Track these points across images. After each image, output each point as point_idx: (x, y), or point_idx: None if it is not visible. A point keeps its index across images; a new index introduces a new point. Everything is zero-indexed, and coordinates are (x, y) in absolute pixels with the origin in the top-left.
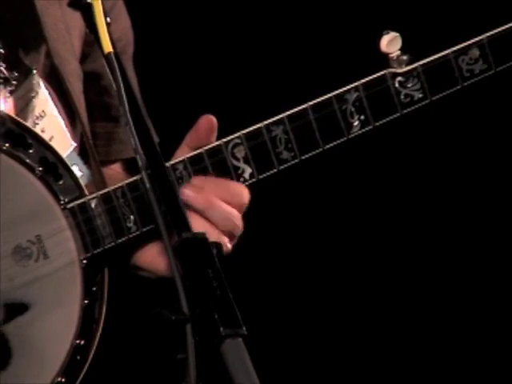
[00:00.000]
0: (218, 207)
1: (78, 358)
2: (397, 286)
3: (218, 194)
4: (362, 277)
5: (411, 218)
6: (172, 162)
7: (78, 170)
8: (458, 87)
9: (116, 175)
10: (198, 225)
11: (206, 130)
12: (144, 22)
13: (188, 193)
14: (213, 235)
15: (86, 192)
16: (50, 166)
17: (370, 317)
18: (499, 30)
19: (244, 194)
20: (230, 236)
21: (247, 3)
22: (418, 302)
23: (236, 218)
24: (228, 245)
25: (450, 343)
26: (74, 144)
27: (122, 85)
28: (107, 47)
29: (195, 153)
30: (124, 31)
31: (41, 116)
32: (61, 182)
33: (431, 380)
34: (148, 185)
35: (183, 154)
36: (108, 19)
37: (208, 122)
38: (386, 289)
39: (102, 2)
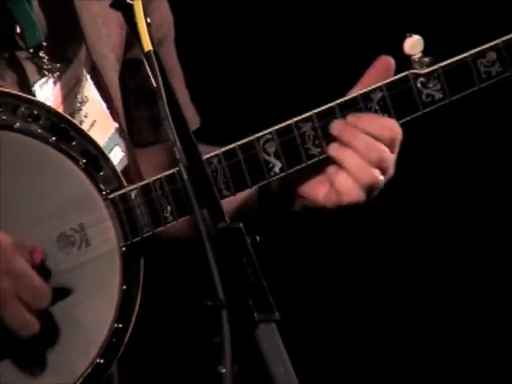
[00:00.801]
0: (361, 138)
1: (115, 340)
2: (396, 287)
3: (366, 128)
4: (362, 277)
5: (411, 218)
6: (207, 156)
7: (120, 151)
8: (476, 88)
9: (157, 159)
10: (349, 158)
11: (383, 70)
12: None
13: (336, 125)
14: (361, 167)
15: (125, 183)
16: (92, 158)
17: (370, 317)
18: None
19: (394, 128)
20: (381, 170)
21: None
22: (418, 303)
23: (382, 150)
24: (380, 177)
25: (450, 343)
26: (116, 124)
27: (161, 82)
28: (147, 46)
29: (229, 147)
30: (165, 18)
31: (84, 101)
32: (102, 173)
33: (431, 380)
34: (185, 177)
35: (357, 91)
36: (148, 19)
37: (386, 62)
38: (386, 289)
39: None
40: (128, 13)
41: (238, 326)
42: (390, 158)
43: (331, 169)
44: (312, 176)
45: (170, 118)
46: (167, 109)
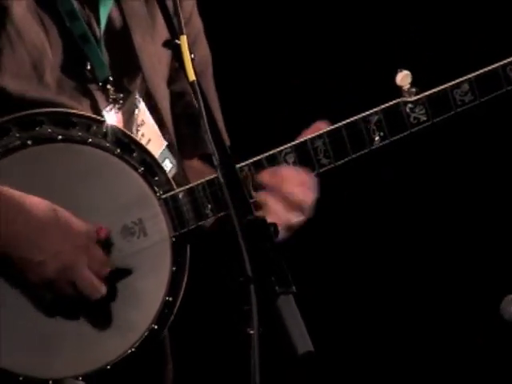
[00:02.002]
0: (283, 187)
1: (166, 310)
2: (396, 287)
3: (287, 179)
4: (362, 277)
5: (411, 219)
6: (239, 165)
7: (169, 163)
8: (452, 113)
9: (199, 167)
10: (272, 201)
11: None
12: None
13: (264, 175)
14: (281, 211)
15: (175, 186)
16: (148, 166)
17: (370, 317)
18: (483, 70)
19: (308, 181)
20: (301, 210)
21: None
22: (418, 303)
23: (299, 200)
24: (297, 218)
25: (450, 343)
26: (166, 142)
27: (202, 106)
28: (191, 76)
29: (256, 158)
30: (205, 55)
31: (141, 124)
32: (156, 178)
33: (431, 380)
34: (222, 180)
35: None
36: (192, 55)
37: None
38: (385, 289)
39: (188, 38)
40: (177, 51)
41: (262, 297)
42: (307, 204)
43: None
44: None
45: (209, 133)
46: (207, 126)
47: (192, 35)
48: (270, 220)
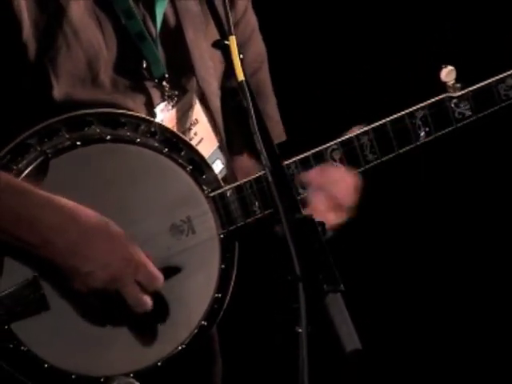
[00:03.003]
0: (327, 187)
1: (216, 307)
2: (396, 287)
3: (331, 177)
4: (362, 276)
5: (411, 219)
6: (286, 163)
7: (221, 163)
8: (497, 107)
9: (247, 163)
10: (316, 200)
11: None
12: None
13: (308, 174)
14: (326, 208)
15: (222, 184)
16: (197, 165)
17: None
18: None
19: (351, 179)
20: (343, 211)
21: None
22: (418, 303)
23: (342, 196)
24: (339, 218)
25: (450, 343)
26: (218, 143)
27: (251, 105)
28: (240, 76)
29: (303, 155)
30: (260, 52)
31: (194, 123)
32: (204, 177)
33: (431, 380)
34: (270, 178)
35: None
36: (241, 55)
37: None
38: (386, 289)
39: (243, 35)
40: (226, 51)
41: (311, 295)
42: (349, 205)
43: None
44: None
45: (258, 132)
46: (256, 125)
47: (247, 32)
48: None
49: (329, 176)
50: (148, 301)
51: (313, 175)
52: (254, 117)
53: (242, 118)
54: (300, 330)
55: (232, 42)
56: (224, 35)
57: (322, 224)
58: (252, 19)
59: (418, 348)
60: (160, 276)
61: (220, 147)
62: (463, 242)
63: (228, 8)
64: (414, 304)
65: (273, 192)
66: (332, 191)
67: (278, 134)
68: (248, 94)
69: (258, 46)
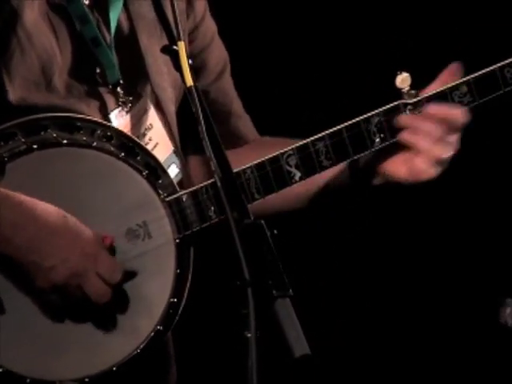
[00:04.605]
0: (427, 123)
1: (171, 311)
2: (395, 288)
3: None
4: (361, 276)
5: (410, 219)
6: (242, 168)
7: (176, 168)
8: None
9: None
10: (419, 140)
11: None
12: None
13: (403, 118)
14: (430, 146)
15: (178, 189)
16: (152, 169)
17: (369, 316)
18: (481, 72)
19: (456, 113)
20: (448, 144)
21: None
22: (417, 303)
23: (442, 128)
24: (448, 153)
25: (450, 343)
26: (173, 148)
27: (200, 111)
28: (189, 81)
29: (258, 161)
30: (222, 56)
31: (149, 128)
32: (160, 181)
33: (430, 380)
34: (219, 184)
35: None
36: (190, 61)
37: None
38: (383, 292)
39: (198, 43)
40: (175, 57)
41: (260, 300)
42: (453, 136)
43: (408, 153)
44: (394, 158)
45: (206, 139)
46: (205, 131)
47: (207, 37)
48: (420, 159)
49: (422, 115)
50: (109, 292)
51: (404, 119)
52: (202, 122)
53: (219, 118)
54: (249, 335)
55: (181, 47)
56: (173, 40)
57: (272, 229)
58: (211, 24)
59: (407, 351)
60: (119, 267)
61: (175, 152)
62: (454, 241)
63: (177, 13)
64: (401, 307)
65: (222, 197)
66: (429, 126)
67: (253, 131)
68: (197, 100)
69: (220, 50)
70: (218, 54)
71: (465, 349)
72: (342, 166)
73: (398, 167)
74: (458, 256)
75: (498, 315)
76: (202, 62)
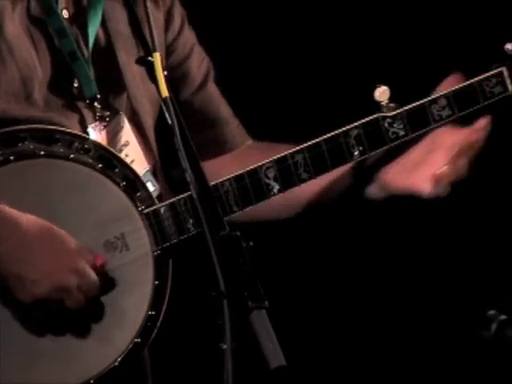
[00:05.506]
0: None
1: (149, 324)
2: (395, 288)
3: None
4: (360, 276)
5: (410, 219)
6: (220, 180)
7: (151, 186)
8: (431, 127)
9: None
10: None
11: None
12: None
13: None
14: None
15: (156, 201)
16: (131, 182)
17: (370, 318)
18: (460, 85)
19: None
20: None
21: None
22: (417, 303)
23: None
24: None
25: (449, 343)
26: (148, 166)
27: (176, 122)
28: (164, 93)
29: (238, 173)
30: (204, 65)
31: (125, 145)
32: (138, 194)
33: (430, 380)
34: (195, 195)
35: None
36: (165, 72)
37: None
38: (384, 291)
39: (178, 54)
40: (150, 68)
41: (235, 311)
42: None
43: (413, 165)
44: (397, 168)
45: (182, 150)
46: (180, 142)
47: (187, 48)
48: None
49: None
50: (88, 306)
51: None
52: (178, 133)
53: (205, 125)
54: (225, 347)
55: (156, 58)
56: (148, 52)
57: (247, 240)
58: (190, 35)
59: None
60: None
61: (151, 170)
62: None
63: (152, 24)
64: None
65: (198, 209)
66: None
67: (242, 136)
68: (172, 111)
69: (201, 59)
70: (200, 64)
71: (465, 349)
72: (344, 168)
73: (400, 178)
74: (457, 256)
75: (484, 328)
76: (183, 73)
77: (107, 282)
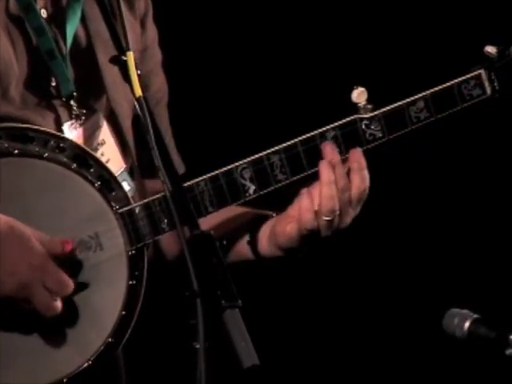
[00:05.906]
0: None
1: (123, 324)
2: (394, 288)
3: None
4: (361, 278)
5: (409, 219)
6: (195, 180)
7: (127, 185)
8: (408, 129)
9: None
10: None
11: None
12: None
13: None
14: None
15: (132, 201)
16: (106, 181)
17: (369, 318)
18: (438, 87)
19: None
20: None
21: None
22: (416, 303)
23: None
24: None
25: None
26: (125, 165)
27: (149, 121)
28: (138, 92)
29: (213, 174)
30: (161, 87)
31: (101, 144)
32: (113, 194)
33: (430, 380)
34: (168, 195)
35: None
36: (138, 71)
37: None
38: (384, 291)
39: (147, 67)
40: (123, 67)
41: (208, 311)
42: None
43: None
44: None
45: (155, 148)
46: (153, 140)
47: (151, 64)
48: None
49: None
50: (58, 306)
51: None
52: (151, 132)
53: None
54: (198, 346)
55: (129, 57)
56: (122, 51)
57: (221, 240)
58: (157, 53)
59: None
60: (69, 281)
61: (127, 169)
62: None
63: (125, 23)
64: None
65: (171, 208)
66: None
67: (178, 165)
68: (146, 110)
69: (160, 80)
70: (159, 84)
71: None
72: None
73: (285, 224)
74: (457, 256)
75: (444, 325)
76: (145, 85)
77: (78, 282)
